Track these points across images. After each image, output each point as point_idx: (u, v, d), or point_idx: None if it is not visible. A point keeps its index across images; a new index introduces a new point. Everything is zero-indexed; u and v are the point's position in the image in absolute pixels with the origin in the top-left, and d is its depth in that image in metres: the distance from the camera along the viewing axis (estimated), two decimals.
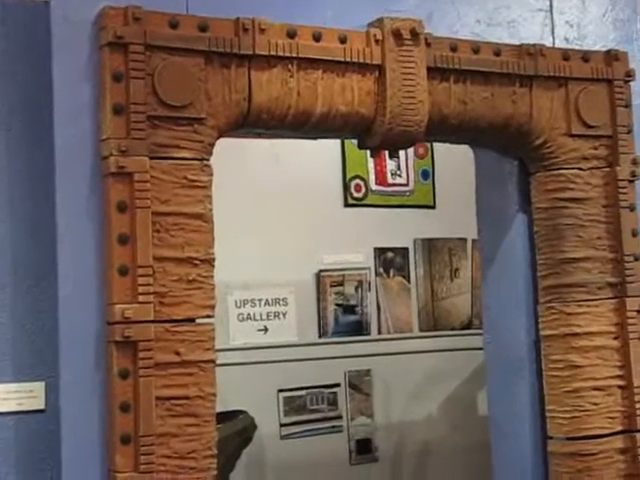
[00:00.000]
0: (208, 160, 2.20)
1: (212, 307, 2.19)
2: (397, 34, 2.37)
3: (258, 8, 2.27)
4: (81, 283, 2.12)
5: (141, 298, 2.10)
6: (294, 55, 2.27)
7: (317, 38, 2.30)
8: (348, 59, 2.34)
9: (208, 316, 2.18)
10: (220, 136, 2.24)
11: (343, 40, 2.33)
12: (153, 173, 2.12)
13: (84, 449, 2.11)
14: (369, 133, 2.41)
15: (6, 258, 2.22)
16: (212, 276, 2.20)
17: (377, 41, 2.36)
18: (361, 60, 2.35)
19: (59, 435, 2.11)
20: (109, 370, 2.10)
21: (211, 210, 2.20)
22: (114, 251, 2.10)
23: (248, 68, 2.24)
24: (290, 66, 2.28)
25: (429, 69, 2.41)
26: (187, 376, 2.14)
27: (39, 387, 2.24)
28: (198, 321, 2.17)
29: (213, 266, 2.20)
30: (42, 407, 2.23)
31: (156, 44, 2.14)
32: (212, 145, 2.22)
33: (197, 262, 2.17)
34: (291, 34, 2.27)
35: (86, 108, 2.14)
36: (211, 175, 2.21)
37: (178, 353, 2.13)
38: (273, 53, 2.25)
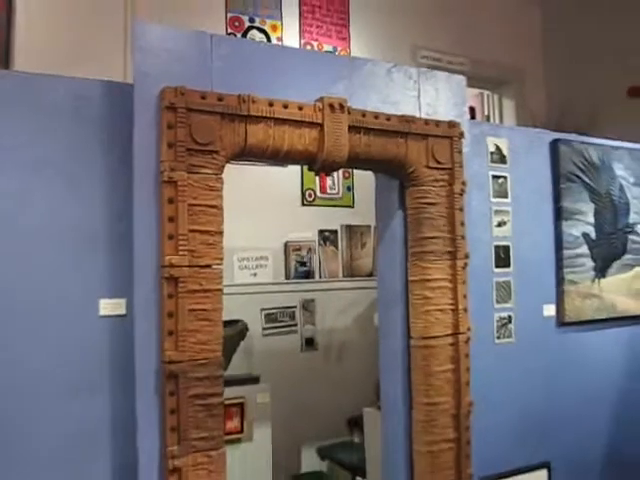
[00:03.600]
0: (220, 175, 2.18)
1: (221, 259, 2.17)
2: (331, 106, 2.35)
3: (252, 88, 2.25)
4: (150, 243, 2.11)
5: (180, 252, 2.09)
6: (271, 116, 2.25)
7: (285, 106, 2.28)
8: (303, 119, 2.31)
9: (218, 264, 2.16)
10: (228, 161, 2.22)
11: (300, 108, 2.31)
12: (189, 182, 2.10)
13: (147, 338, 2.11)
14: (314, 162, 2.39)
15: (114, 228, 2.22)
16: (221, 242, 2.17)
17: (320, 110, 2.34)
18: (310, 120, 2.32)
19: (133, 329, 2.11)
20: (162, 293, 2.09)
21: (222, 203, 2.18)
22: (165, 226, 2.09)
23: (245, 123, 2.21)
24: (269, 122, 2.25)
25: (349, 127, 2.39)
26: (206, 298, 2.13)
27: (123, 302, 2.22)
28: (213, 267, 2.15)
29: (222, 236, 2.18)
30: (124, 313, 2.21)
31: (192, 107, 2.12)
32: (223, 166, 2.19)
33: (213, 233, 2.15)
34: (270, 104, 2.25)
35: (152, 145, 2.12)
36: (222, 184, 2.18)
37: (201, 284, 2.12)
38: (260, 114, 2.23)
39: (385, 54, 4.64)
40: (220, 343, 2.16)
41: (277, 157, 2.33)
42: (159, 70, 2.15)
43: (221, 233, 2.18)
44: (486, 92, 6.04)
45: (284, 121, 2.28)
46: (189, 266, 2.10)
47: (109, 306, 2.21)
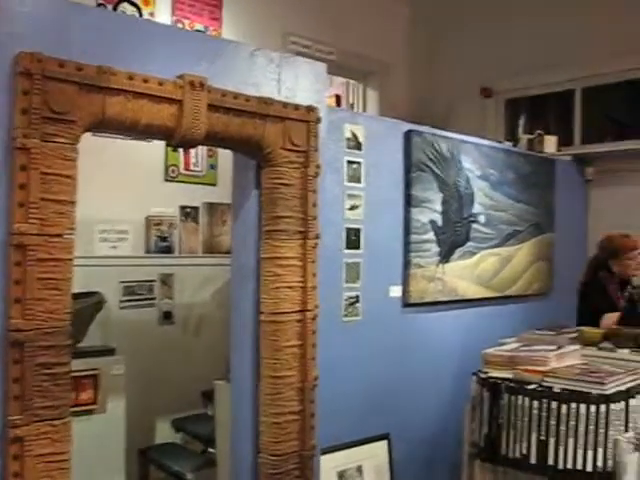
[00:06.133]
0: (76, 145, 2.12)
1: (73, 229, 2.10)
2: (192, 84, 2.33)
3: (113, 61, 2.19)
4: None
5: (30, 220, 2.02)
6: (130, 89, 2.20)
7: (145, 81, 2.24)
8: (163, 95, 2.28)
9: (70, 234, 2.10)
10: (84, 132, 2.15)
11: (161, 84, 2.27)
12: (43, 150, 2.03)
13: None
14: (172, 137, 2.36)
15: None
16: (74, 211, 2.11)
17: (180, 87, 2.31)
18: (170, 96, 2.29)
19: None
20: (9, 260, 2.02)
21: (76, 173, 2.11)
22: (16, 193, 2.02)
23: (104, 95, 2.15)
24: (128, 96, 2.20)
25: (209, 105, 2.37)
26: (55, 267, 2.06)
27: None
28: (64, 236, 2.09)
29: (75, 206, 2.11)
30: None
31: (49, 75, 2.05)
32: (79, 136, 2.13)
33: (66, 202, 2.08)
34: (130, 77, 2.20)
35: (5, 110, 2.02)
36: (77, 154, 2.11)
37: (51, 253, 2.06)
38: (119, 87, 2.18)
39: (256, 37, 4.63)
40: (69, 313, 2.11)
41: (135, 131, 2.29)
42: (16, 34, 2.05)
43: (74, 203, 2.11)
44: (352, 81, 6.15)
45: (143, 95, 2.24)
46: (39, 234, 2.03)
47: None
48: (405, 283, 3.45)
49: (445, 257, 3.66)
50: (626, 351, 2.95)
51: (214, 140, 2.49)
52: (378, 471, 3.33)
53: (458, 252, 3.75)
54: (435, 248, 3.60)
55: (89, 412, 3.56)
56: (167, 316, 4.48)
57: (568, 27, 5.24)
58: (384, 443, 3.38)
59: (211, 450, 4.10)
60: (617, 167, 4.97)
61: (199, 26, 4.72)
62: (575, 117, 5.39)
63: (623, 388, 2.54)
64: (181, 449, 4.44)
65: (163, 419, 4.48)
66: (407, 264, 3.45)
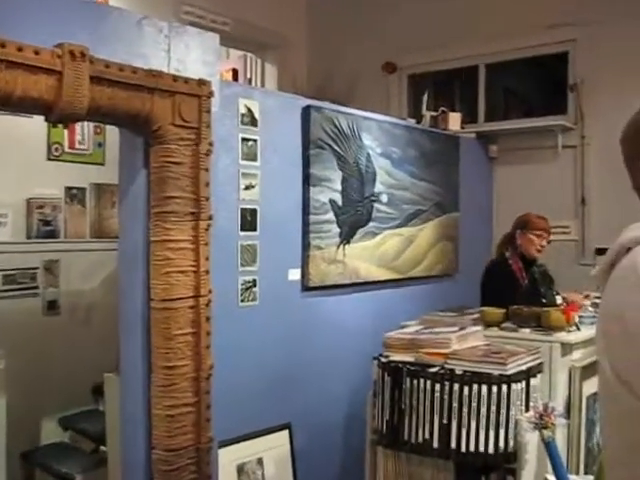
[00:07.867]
0: None
1: None
2: (72, 53, 2.26)
3: None
4: None
5: None
6: (3, 58, 2.11)
7: (20, 49, 2.15)
8: (39, 65, 2.19)
9: None
10: None
11: (37, 53, 2.19)
12: None
13: None
14: (51, 112, 2.28)
15: None
16: None
17: (59, 56, 2.24)
18: (48, 67, 2.21)
19: None
20: None
21: None
22: None
23: None
24: (0, 65, 2.12)
25: (91, 77, 2.30)
26: None
27: None
28: None
29: None
30: None
31: None
32: None
33: None
34: (2, 45, 2.11)
35: None
36: None
37: None
38: None
39: (147, 7, 4.51)
40: None
41: (8, 103, 2.21)
42: None
43: None
44: (250, 55, 6.10)
45: (17, 65, 2.15)
46: None
47: None
48: (304, 266, 3.46)
49: (346, 238, 3.69)
50: (527, 330, 3.06)
51: (98, 115, 2.43)
52: (279, 462, 3.35)
53: (360, 233, 3.79)
54: (335, 229, 3.62)
55: None
56: (52, 306, 4.35)
57: (472, 1, 5.35)
58: (285, 433, 3.39)
59: (103, 448, 4.02)
60: (520, 144, 5.12)
61: None
62: (479, 94, 5.51)
63: (524, 368, 2.63)
64: (70, 449, 4.34)
65: (49, 418, 4.36)
66: (306, 246, 3.46)
